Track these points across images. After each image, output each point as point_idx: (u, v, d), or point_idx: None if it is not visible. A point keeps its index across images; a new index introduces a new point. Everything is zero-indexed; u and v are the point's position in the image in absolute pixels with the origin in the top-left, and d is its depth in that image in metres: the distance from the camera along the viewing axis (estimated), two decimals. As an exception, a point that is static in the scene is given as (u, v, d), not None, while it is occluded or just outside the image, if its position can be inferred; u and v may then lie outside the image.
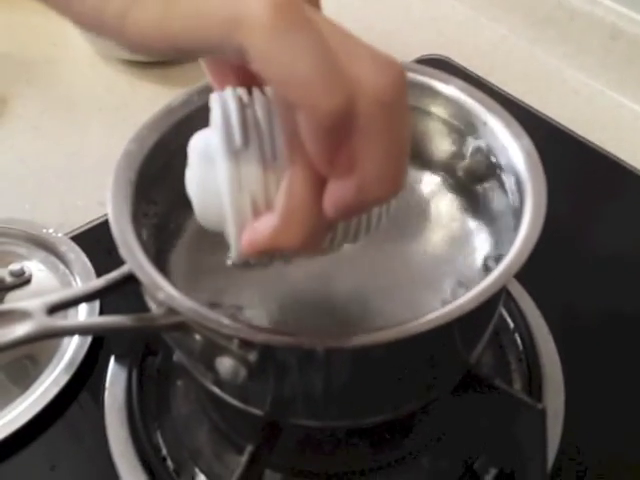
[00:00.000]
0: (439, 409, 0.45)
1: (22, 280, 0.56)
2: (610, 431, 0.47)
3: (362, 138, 0.25)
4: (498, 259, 0.35)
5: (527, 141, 0.39)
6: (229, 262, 0.33)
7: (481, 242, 0.41)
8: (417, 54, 0.76)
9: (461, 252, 0.41)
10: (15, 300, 0.54)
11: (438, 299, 0.39)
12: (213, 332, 0.33)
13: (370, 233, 0.33)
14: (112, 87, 0.77)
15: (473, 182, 0.43)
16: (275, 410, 0.39)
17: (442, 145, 0.44)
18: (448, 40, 0.81)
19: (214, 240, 0.33)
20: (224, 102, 0.30)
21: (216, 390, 0.40)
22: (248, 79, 0.31)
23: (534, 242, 0.34)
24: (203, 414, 0.48)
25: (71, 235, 0.59)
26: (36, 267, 0.57)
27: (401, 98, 0.26)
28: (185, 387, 0.49)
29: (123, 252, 0.34)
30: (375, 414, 0.40)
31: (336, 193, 0.27)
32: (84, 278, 0.55)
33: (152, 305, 0.36)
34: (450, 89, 0.43)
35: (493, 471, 0.44)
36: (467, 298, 0.33)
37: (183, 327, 0.34)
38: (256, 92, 0.30)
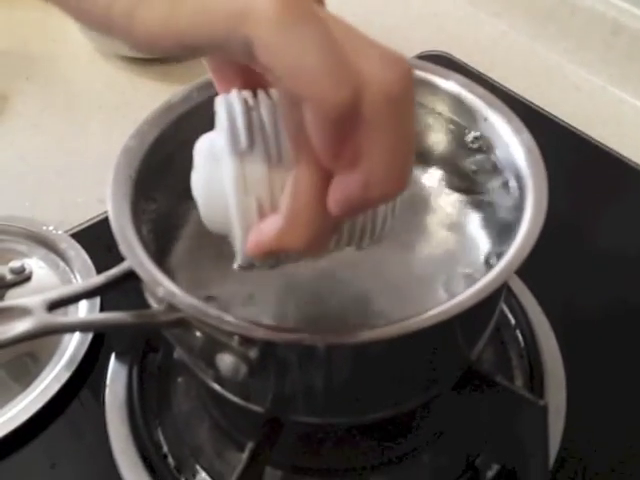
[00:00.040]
0: (440, 406, 0.45)
1: (22, 277, 0.56)
2: (612, 427, 0.47)
3: (368, 133, 0.25)
4: (499, 255, 0.35)
5: (528, 137, 0.39)
6: (235, 265, 0.32)
7: (482, 238, 0.41)
8: (417, 50, 0.76)
9: (462, 248, 0.41)
10: (15, 297, 0.54)
11: (439, 296, 0.39)
12: (214, 329, 0.33)
13: (375, 236, 0.32)
14: (112, 84, 0.77)
15: (474, 178, 0.43)
16: (276, 407, 0.39)
17: (443, 141, 0.44)
18: (449, 36, 0.81)
19: (214, 237, 0.33)
20: (229, 104, 0.30)
21: (217, 387, 0.40)
22: (253, 83, 0.31)
23: (535, 238, 0.34)
24: (204, 411, 0.48)
25: (71, 232, 0.59)
26: (36, 264, 0.57)
27: (408, 94, 0.25)
28: (186, 384, 0.49)
29: (123, 249, 0.34)
30: (376, 411, 0.40)
31: (341, 190, 0.26)
32: (84, 275, 0.55)
33: (152, 302, 0.36)
34: (450, 85, 0.43)
35: (495, 467, 0.44)
36: (468, 294, 0.33)
37: (183, 324, 0.34)
38: (261, 94, 0.30)
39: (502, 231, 0.40)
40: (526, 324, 0.51)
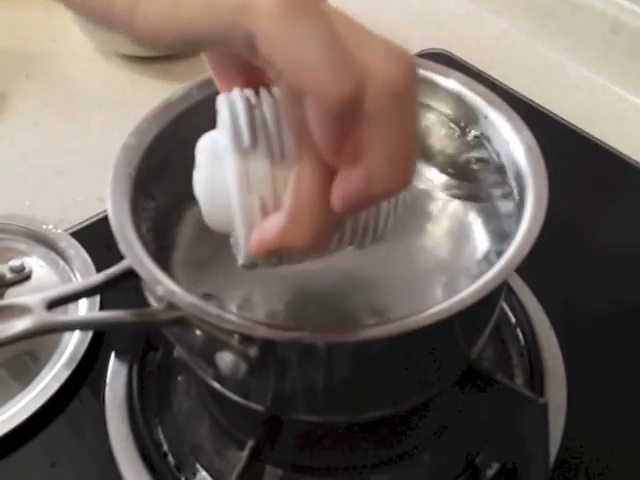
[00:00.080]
0: (441, 404, 0.45)
1: (22, 276, 0.56)
2: (612, 425, 0.47)
3: (370, 128, 0.25)
4: (499, 253, 0.35)
5: (528, 135, 0.39)
6: (238, 264, 0.32)
7: (482, 236, 0.41)
8: (418, 48, 0.76)
9: (462, 246, 0.41)
10: (15, 296, 0.54)
11: (439, 293, 0.39)
12: (213, 327, 0.33)
13: (378, 234, 0.32)
14: (112, 82, 0.77)
15: (473, 176, 0.43)
16: (276, 405, 0.39)
17: (443, 139, 0.44)
18: (449, 34, 0.81)
19: (214, 235, 0.33)
20: (232, 103, 0.30)
21: (217, 385, 0.39)
22: (255, 82, 0.31)
23: (535, 236, 0.34)
24: (204, 410, 0.48)
25: (71, 231, 0.59)
26: (36, 263, 0.57)
27: (411, 89, 0.25)
28: (186, 383, 0.49)
29: (123, 247, 0.34)
30: (376, 409, 0.40)
31: (344, 185, 0.26)
32: (84, 274, 0.55)
33: (152, 300, 0.36)
34: (451, 83, 0.43)
35: (495, 466, 0.44)
36: (468, 292, 0.33)
37: (183, 322, 0.34)
38: (263, 93, 0.30)
39: (502, 229, 0.40)
40: (526, 322, 0.51)
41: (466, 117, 0.42)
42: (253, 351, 0.33)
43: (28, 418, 0.47)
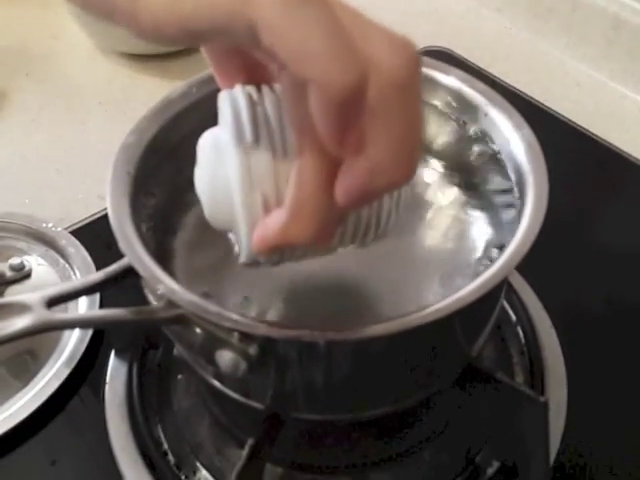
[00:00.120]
0: (441, 402, 0.45)
1: (22, 274, 0.56)
2: (612, 424, 0.47)
3: (374, 119, 0.25)
4: (500, 251, 0.35)
5: (529, 132, 0.39)
6: (240, 262, 0.32)
7: (482, 233, 0.41)
8: (418, 46, 0.75)
9: (463, 243, 0.40)
10: (15, 294, 0.54)
11: (439, 291, 0.38)
12: (213, 325, 0.33)
13: (380, 231, 0.32)
14: (112, 80, 0.77)
15: (474, 173, 0.42)
16: (276, 403, 0.39)
17: (443, 136, 0.44)
18: (449, 31, 0.81)
19: (214, 233, 0.33)
20: (234, 99, 0.30)
21: (217, 384, 0.39)
22: (256, 79, 0.30)
23: (536, 234, 0.34)
24: (204, 408, 0.48)
25: (71, 229, 0.59)
26: (36, 261, 0.57)
27: (415, 79, 0.25)
28: (186, 381, 0.49)
29: (122, 245, 0.34)
30: (376, 407, 0.40)
31: (348, 178, 0.26)
32: (84, 272, 0.55)
33: (152, 298, 0.36)
34: (451, 80, 0.42)
35: (495, 464, 0.44)
36: (468, 290, 0.33)
37: (183, 320, 0.34)
38: (265, 89, 0.30)
39: (502, 226, 0.40)
40: (527, 320, 0.51)
41: (466, 115, 0.42)
42: (253, 349, 0.33)
43: (28, 416, 0.47)
